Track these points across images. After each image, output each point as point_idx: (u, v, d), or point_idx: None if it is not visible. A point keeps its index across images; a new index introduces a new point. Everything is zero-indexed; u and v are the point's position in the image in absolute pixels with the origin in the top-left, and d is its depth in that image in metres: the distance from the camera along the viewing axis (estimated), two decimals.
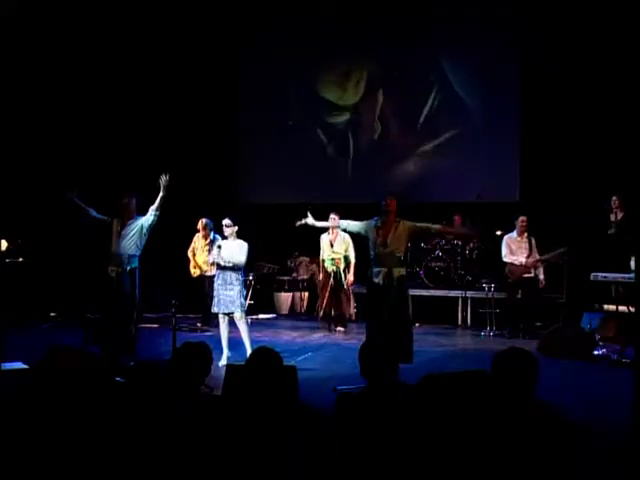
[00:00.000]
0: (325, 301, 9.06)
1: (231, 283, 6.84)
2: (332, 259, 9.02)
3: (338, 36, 11.25)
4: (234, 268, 6.86)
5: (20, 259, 9.39)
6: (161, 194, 6.75)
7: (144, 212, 6.88)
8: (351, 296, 9.45)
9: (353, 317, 9.64)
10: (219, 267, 6.95)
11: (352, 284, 9.18)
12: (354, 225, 6.61)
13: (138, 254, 6.74)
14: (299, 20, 11.42)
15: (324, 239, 9.11)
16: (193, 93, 11.27)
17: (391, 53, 11.16)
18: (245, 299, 7.02)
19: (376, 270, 6.22)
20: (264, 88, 11.72)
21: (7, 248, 9.17)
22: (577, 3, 9.58)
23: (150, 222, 6.79)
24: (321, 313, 9.15)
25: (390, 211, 6.24)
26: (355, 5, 11.05)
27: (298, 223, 7.06)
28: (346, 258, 9.05)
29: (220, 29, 11.33)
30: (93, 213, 6.82)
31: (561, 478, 2.57)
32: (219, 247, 6.90)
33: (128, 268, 6.61)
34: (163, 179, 6.66)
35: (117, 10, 10.48)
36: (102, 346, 6.42)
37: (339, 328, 9.18)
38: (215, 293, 6.97)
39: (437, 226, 6.77)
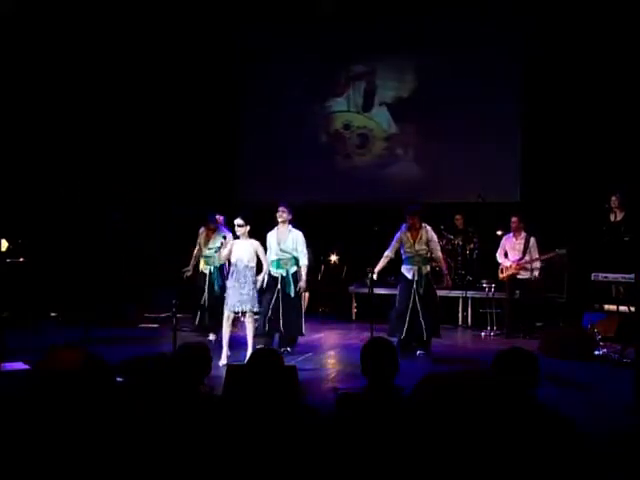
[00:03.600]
0: (269, 314, 7.21)
1: (244, 282, 6.85)
2: (279, 260, 7.29)
3: (338, 35, 11.26)
4: (248, 267, 6.88)
5: (21, 259, 9.39)
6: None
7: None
8: (303, 309, 7.52)
9: (304, 333, 7.56)
10: (231, 266, 7.00)
11: (305, 291, 7.66)
12: (393, 247, 7.52)
13: None
14: (299, 20, 11.42)
15: (271, 236, 7.37)
16: (192, 92, 11.28)
17: (390, 52, 11.17)
18: (257, 299, 7.00)
19: (408, 267, 7.46)
20: (263, 87, 11.73)
21: (8, 248, 9.17)
22: (578, 2, 9.58)
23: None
24: (266, 327, 7.23)
25: (413, 226, 7.43)
26: (354, 5, 11.05)
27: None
28: (296, 260, 7.31)
29: (220, 28, 11.34)
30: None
31: (562, 478, 2.57)
32: (222, 244, 7.20)
33: (218, 265, 8.12)
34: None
35: (115, 10, 10.48)
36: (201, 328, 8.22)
37: (286, 349, 7.35)
38: (227, 292, 6.99)
39: (436, 255, 7.55)
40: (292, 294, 7.26)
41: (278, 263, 7.30)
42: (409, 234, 7.41)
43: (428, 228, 7.46)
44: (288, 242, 7.29)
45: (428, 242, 7.41)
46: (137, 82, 10.95)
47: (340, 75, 11.66)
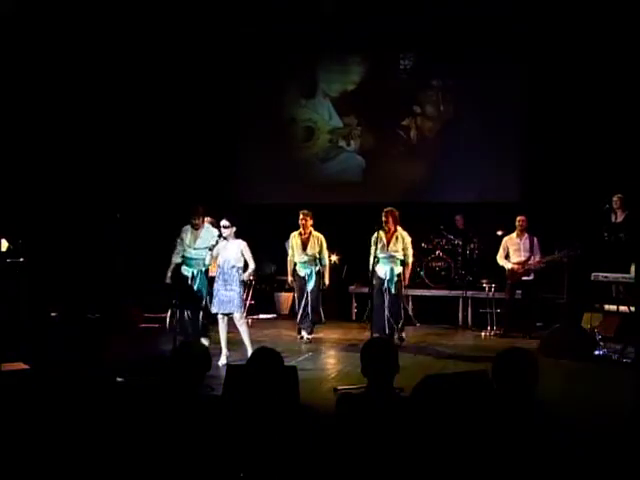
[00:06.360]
0: (302, 307, 8.45)
1: (231, 284, 6.85)
2: (304, 262, 8.41)
3: (337, 39, 11.24)
4: (235, 267, 6.88)
5: (21, 259, 9.38)
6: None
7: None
8: (320, 304, 8.69)
9: (323, 320, 9.04)
10: (218, 267, 6.99)
11: (327, 288, 8.71)
12: (373, 249, 7.87)
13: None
14: (299, 22, 11.41)
15: (294, 239, 8.45)
16: (192, 93, 11.27)
17: (391, 54, 11.17)
18: (244, 300, 7.03)
19: (381, 267, 7.88)
20: (263, 88, 11.72)
21: (8, 248, 9.16)
22: (578, 4, 9.59)
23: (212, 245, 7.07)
24: (299, 318, 8.50)
25: (387, 227, 7.81)
26: (353, 6, 11.04)
27: None
28: (320, 260, 8.48)
29: (220, 30, 11.34)
30: (178, 256, 7.61)
31: (562, 478, 2.57)
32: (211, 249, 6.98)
33: (203, 269, 7.52)
34: None
35: (115, 14, 10.47)
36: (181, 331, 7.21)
37: (307, 336, 8.47)
38: (215, 293, 6.98)
39: (407, 260, 7.99)
40: (310, 288, 8.36)
41: (304, 264, 8.40)
42: (382, 235, 7.77)
43: (404, 234, 7.97)
44: (314, 246, 8.38)
45: (403, 247, 7.90)
46: (137, 83, 10.93)
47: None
